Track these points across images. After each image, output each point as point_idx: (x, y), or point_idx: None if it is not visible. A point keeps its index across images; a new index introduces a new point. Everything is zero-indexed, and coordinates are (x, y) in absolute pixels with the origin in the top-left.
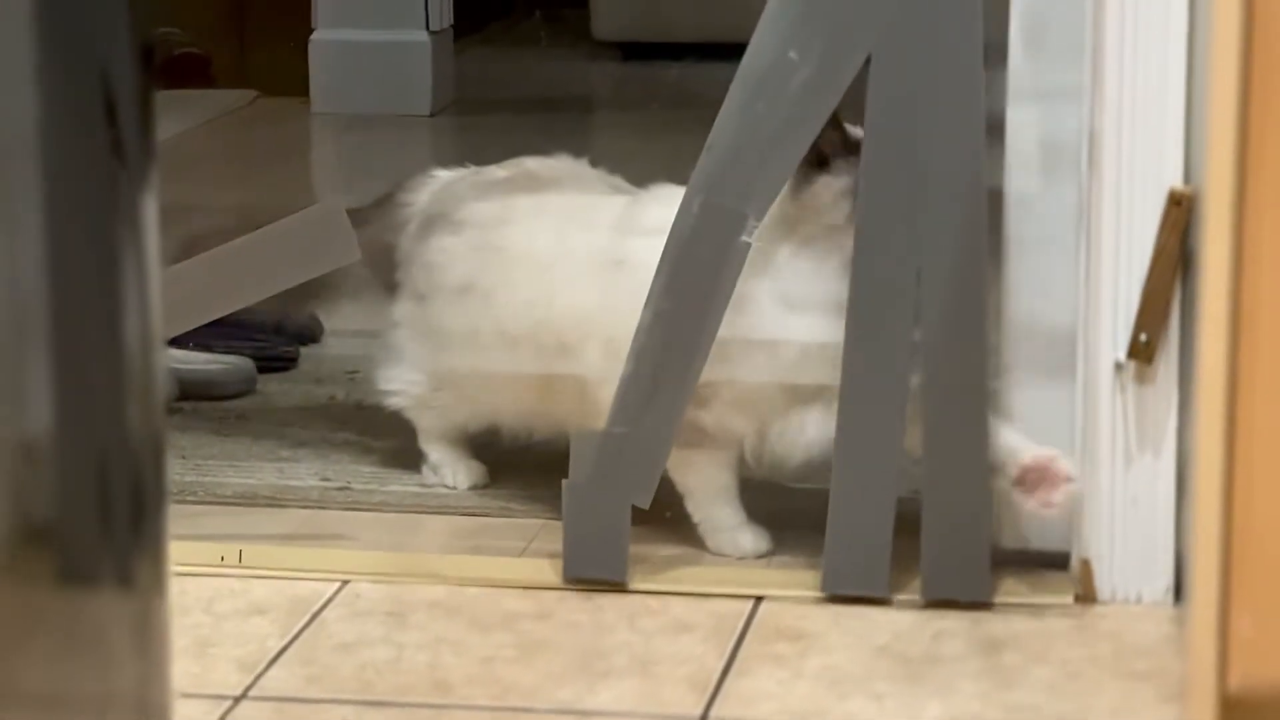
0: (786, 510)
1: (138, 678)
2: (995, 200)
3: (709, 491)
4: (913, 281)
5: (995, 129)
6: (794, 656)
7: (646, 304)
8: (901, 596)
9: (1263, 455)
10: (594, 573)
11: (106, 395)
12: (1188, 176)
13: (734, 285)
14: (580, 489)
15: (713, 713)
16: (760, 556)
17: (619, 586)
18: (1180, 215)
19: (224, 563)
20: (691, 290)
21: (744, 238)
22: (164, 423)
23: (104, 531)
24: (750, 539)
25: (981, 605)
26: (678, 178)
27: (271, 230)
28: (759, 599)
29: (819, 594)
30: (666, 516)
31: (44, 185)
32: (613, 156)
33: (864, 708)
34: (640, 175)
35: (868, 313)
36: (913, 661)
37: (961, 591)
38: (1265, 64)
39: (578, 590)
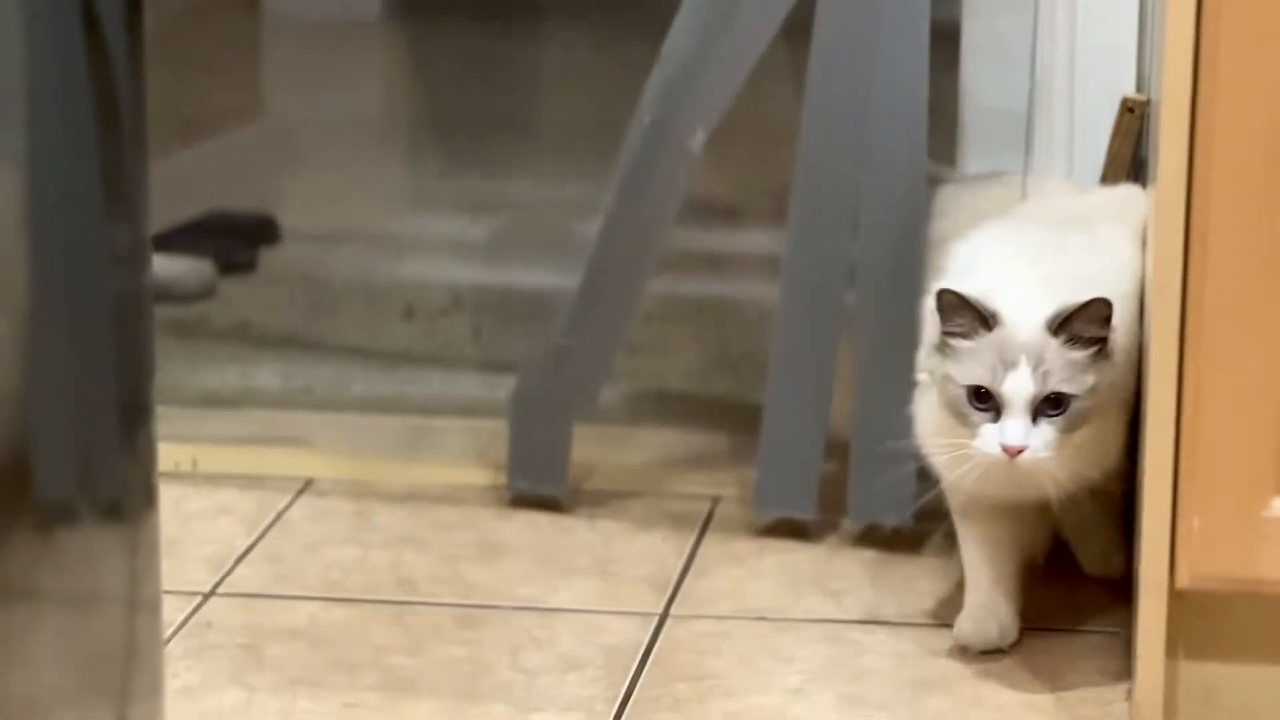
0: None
1: (127, 575)
2: (952, 109)
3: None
4: (852, 199)
5: (953, 39)
6: (752, 555)
7: (601, 217)
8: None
9: (1211, 362)
10: (535, 487)
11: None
12: (1140, 85)
13: (681, 198)
14: (525, 401)
15: (673, 611)
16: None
17: (557, 504)
18: (1133, 122)
19: (178, 469)
20: (641, 203)
21: (692, 151)
22: (152, 326)
23: (91, 435)
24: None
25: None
26: (633, 88)
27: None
28: (717, 499)
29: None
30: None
31: (29, 88)
32: (566, 68)
33: (822, 605)
34: (597, 87)
35: (807, 230)
36: (870, 561)
37: (888, 516)
38: None
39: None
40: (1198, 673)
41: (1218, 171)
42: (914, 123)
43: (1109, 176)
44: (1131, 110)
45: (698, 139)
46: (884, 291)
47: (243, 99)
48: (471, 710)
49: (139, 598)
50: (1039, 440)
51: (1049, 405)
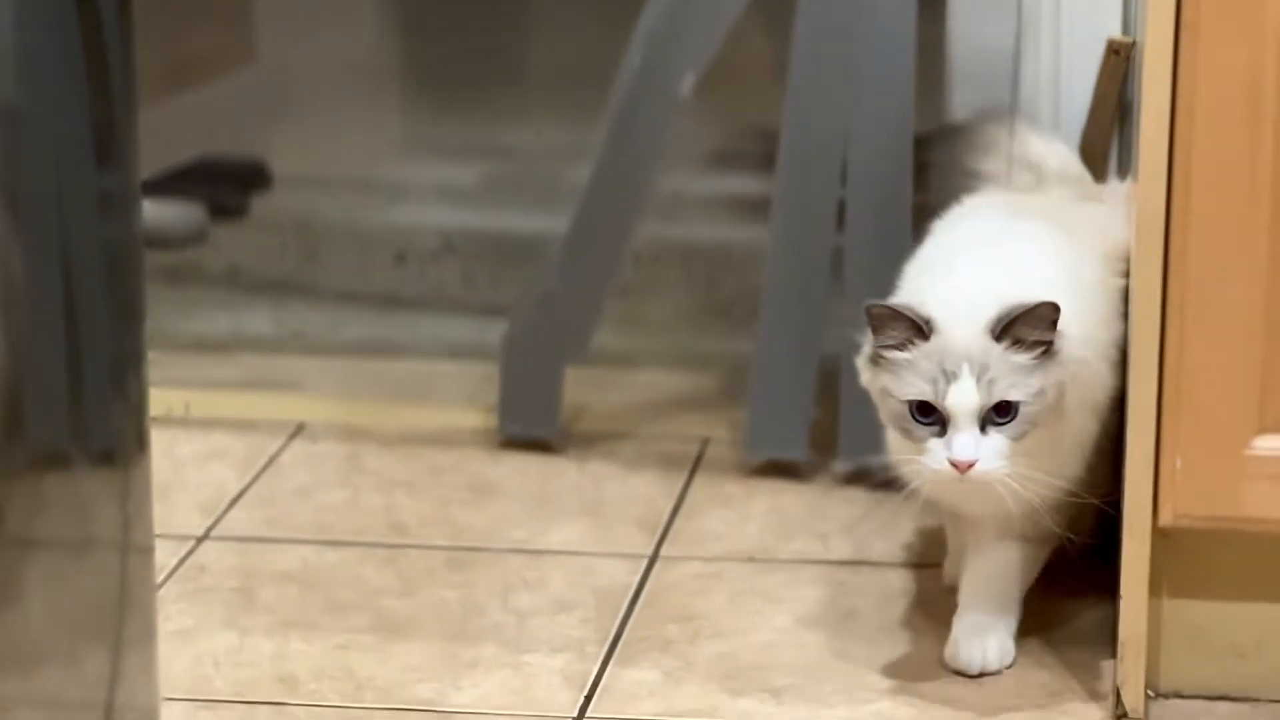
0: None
1: (119, 520)
2: (938, 54)
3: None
4: (841, 142)
5: None
6: (741, 498)
7: (592, 161)
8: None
9: (1194, 302)
10: (526, 430)
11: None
12: (1125, 27)
13: (671, 140)
14: (517, 344)
15: (663, 553)
16: None
17: (548, 446)
18: (1118, 65)
19: (170, 414)
20: (631, 147)
21: (683, 93)
22: (143, 272)
23: (82, 381)
24: None
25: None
26: (623, 33)
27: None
28: (706, 441)
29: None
30: None
31: (17, 34)
32: (557, 12)
33: (810, 546)
34: (587, 32)
35: (797, 173)
36: (858, 503)
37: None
38: None
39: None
40: (1181, 610)
41: (1200, 114)
42: (901, 66)
43: (1094, 119)
44: (1117, 52)
45: (687, 83)
46: (873, 234)
47: (235, 44)
48: (462, 651)
49: (131, 543)
50: (989, 451)
51: (997, 413)
